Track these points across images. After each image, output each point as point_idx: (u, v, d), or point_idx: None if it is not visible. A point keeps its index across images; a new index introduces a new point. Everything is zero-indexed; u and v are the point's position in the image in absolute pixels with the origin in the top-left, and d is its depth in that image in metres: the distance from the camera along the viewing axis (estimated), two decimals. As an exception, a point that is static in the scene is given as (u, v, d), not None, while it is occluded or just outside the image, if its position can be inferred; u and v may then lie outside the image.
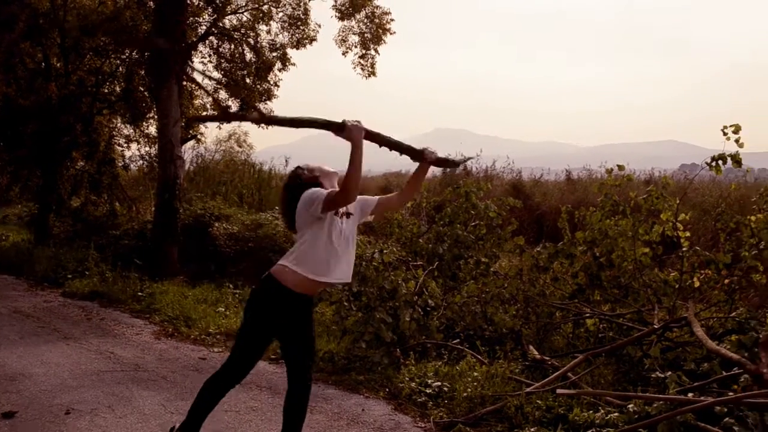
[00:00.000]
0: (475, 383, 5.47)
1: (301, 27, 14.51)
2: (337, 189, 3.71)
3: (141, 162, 17.28)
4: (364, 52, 14.22)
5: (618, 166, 6.88)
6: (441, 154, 4.25)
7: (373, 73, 14.54)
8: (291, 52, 14.93)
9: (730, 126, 5.90)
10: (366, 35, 14.06)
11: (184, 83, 13.42)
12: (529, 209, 16.45)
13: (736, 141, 5.88)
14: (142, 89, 15.26)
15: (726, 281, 6.15)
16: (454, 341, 6.64)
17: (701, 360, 5.50)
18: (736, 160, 5.92)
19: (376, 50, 14.22)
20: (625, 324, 6.45)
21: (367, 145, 3.84)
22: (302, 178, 3.87)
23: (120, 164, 16.81)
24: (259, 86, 14.65)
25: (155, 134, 15.30)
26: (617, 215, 6.63)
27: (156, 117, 14.05)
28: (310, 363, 3.94)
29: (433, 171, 24.90)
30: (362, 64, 14.34)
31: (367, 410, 5.34)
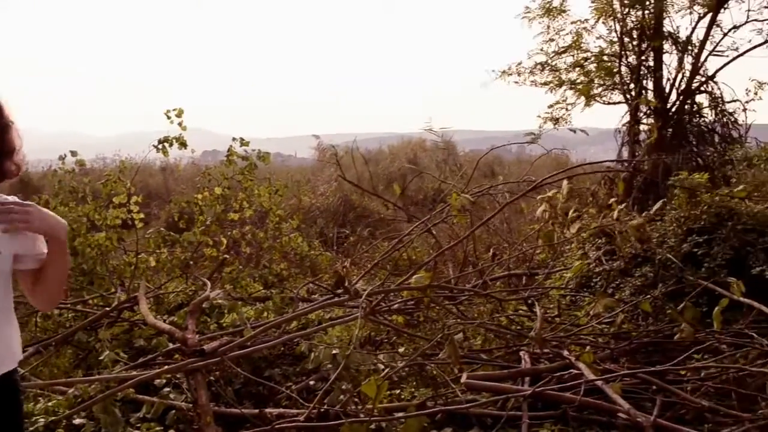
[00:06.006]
0: None
1: None
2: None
3: None
4: None
5: (71, 152, 6.69)
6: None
7: None
8: None
9: (174, 110, 6.20)
10: None
11: None
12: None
13: (179, 124, 6.20)
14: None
15: (182, 258, 6.47)
16: None
17: (155, 335, 5.71)
18: (181, 142, 6.25)
19: None
20: (89, 311, 6.37)
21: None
22: None
23: None
24: None
25: None
26: (76, 202, 6.48)
27: None
28: None
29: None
30: None
31: None
